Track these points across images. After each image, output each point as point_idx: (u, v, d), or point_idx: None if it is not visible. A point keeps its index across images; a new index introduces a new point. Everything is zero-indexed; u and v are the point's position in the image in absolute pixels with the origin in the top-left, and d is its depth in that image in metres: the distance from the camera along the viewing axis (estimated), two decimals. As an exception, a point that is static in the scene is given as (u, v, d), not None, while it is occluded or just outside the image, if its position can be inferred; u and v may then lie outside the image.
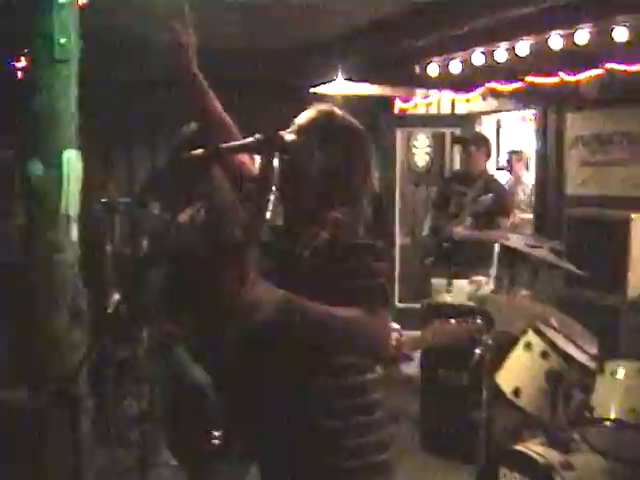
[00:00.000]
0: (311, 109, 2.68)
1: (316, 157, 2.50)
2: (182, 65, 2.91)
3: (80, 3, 4.66)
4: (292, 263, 2.39)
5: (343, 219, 2.45)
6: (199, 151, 2.54)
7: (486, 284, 6.24)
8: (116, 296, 5.20)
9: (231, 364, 2.46)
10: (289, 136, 2.49)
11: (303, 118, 2.65)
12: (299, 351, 2.40)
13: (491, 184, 7.21)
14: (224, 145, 2.69)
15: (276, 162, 2.38)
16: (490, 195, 6.88)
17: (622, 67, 7.34)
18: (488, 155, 7.44)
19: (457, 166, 9.33)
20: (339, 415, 2.44)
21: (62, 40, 4.31)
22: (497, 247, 8.00)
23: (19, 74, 6.96)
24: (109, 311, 4.76)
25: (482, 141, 7.39)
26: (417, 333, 3.22)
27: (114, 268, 5.08)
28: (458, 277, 6.24)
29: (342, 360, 2.48)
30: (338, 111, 2.69)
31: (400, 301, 9.78)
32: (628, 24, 6.07)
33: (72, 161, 4.30)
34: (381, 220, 8.11)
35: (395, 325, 9.34)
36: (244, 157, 2.90)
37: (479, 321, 3.09)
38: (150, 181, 8.23)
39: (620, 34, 6.16)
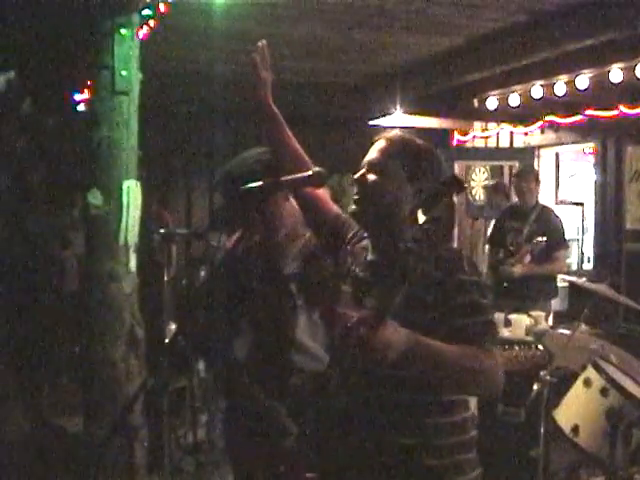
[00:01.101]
0: (381, 139, 2.62)
1: (400, 182, 2.50)
2: (262, 99, 2.93)
3: (141, 36, 4.74)
4: (400, 300, 2.34)
5: (449, 254, 2.40)
6: (259, 183, 2.56)
7: (545, 319, 6.16)
8: (173, 326, 5.23)
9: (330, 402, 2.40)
10: (370, 176, 2.52)
11: (378, 149, 2.60)
12: (415, 389, 2.35)
13: (545, 216, 7.15)
14: (284, 178, 2.71)
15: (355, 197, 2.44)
16: (544, 238, 6.82)
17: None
18: (538, 188, 7.41)
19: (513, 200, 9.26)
20: (446, 453, 2.39)
21: (123, 72, 4.38)
22: (559, 280, 7.93)
23: (81, 106, 7.10)
24: (166, 341, 4.78)
25: (532, 174, 7.34)
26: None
27: (171, 298, 5.11)
28: (518, 311, 6.17)
29: (452, 397, 2.43)
30: (407, 134, 2.63)
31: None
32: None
33: (132, 191, 4.35)
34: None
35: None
36: (322, 195, 2.91)
37: (541, 348, 3.05)
38: (217, 213, 8.31)
39: (682, 67, 6.11)
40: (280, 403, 3.16)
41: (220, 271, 3.30)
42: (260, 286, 3.24)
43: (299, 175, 2.79)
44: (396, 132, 2.65)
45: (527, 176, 7.24)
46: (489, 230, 8.33)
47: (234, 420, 3.39)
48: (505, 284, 6.97)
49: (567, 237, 7.40)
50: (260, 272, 3.25)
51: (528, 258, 6.93)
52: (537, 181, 7.34)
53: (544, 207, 7.41)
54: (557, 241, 6.89)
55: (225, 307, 3.27)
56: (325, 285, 3.23)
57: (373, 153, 2.60)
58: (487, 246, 7.80)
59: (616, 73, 6.62)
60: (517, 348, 3.00)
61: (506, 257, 7.12)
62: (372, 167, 2.56)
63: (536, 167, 9.77)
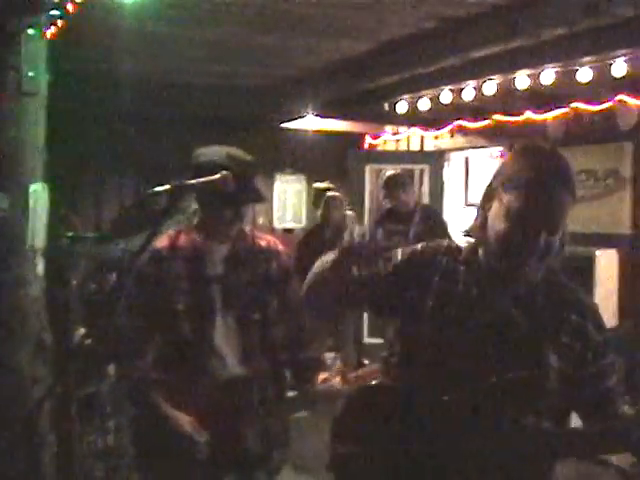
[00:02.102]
0: (517, 150, 2.38)
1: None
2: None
3: (49, 36, 4.66)
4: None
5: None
6: (166, 186, 2.55)
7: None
8: (81, 331, 5.16)
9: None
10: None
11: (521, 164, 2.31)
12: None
13: (429, 215, 7.30)
14: (190, 181, 2.71)
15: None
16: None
17: (587, 106, 7.48)
18: (414, 188, 7.55)
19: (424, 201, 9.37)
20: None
21: (30, 73, 4.30)
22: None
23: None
24: (73, 346, 4.71)
25: (404, 179, 7.49)
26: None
27: (79, 302, 5.04)
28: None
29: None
30: (545, 145, 2.35)
31: (369, 336, 9.81)
32: (591, 65, 6.17)
33: (38, 195, 4.28)
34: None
35: (365, 361, 9.37)
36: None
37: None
38: (120, 216, 8.23)
39: (584, 75, 6.26)
40: (191, 410, 3.13)
41: (133, 274, 3.26)
42: (181, 287, 3.22)
43: (206, 179, 2.80)
44: (534, 142, 2.40)
45: (396, 185, 7.36)
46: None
47: (142, 429, 3.35)
48: None
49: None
50: (182, 273, 3.23)
51: None
52: (409, 186, 7.47)
53: (425, 207, 7.53)
54: (446, 237, 7.04)
55: (139, 310, 3.24)
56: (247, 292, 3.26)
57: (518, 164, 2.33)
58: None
59: (522, 79, 6.77)
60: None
61: None
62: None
63: (446, 170, 9.95)
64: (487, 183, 2.38)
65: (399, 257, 2.52)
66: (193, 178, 2.86)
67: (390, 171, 8.08)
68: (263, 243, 3.41)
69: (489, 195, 2.33)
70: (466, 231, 2.44)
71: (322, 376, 3.34)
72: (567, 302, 2.30)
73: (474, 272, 2.34)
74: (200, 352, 3.20)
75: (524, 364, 2.20)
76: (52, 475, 4.35)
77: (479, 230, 2.34)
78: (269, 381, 3.35)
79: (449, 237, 7.11)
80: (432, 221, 7.22)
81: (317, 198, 9.20)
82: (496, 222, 2.24)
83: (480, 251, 2.36)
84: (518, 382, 2.18)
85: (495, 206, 2.27)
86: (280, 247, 3.46)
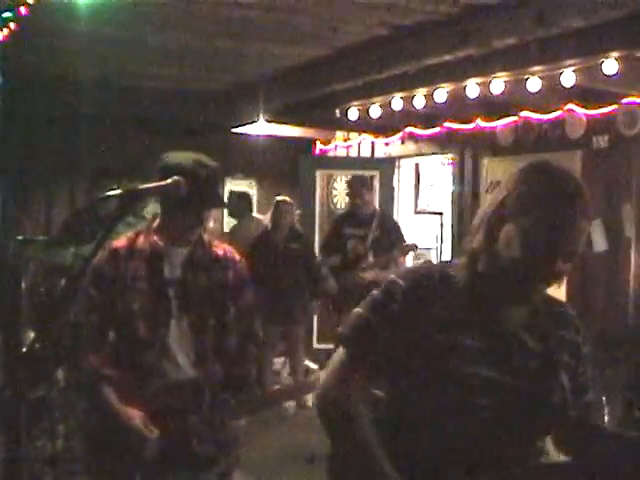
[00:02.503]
0: (530, 170, 2.23)
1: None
2: None
3: (1, 38, 4.64)
4: None
5: None
6: (118, 191, 2.56)
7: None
8: (31, 334, 5.13)
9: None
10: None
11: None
12: None
13: (386, 222, 7.36)
14: (143, 186, 2.73)
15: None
16: (406, 244, 7.02)
17: (536, 115, 7.59)
18: (373, 194, 7.63)
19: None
20: None
21: (-19, 76, 4.28)
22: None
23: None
24: (23, 349, 4.68)
25: (366, 182, 7.54)
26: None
27: (29, 306, 5.01)
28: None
29: None
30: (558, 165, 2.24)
31: (318, 342, 9.83)
32: (540, 75, 6.26)
33: (-12, 197, 4.26)
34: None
35: (312, 365, 9.41)
36: None
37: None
38: (70, 220, 8.17)
39: (533, 84, 6.35)
40: (142, 409, 3.15)
41: (94, 273, 3.27)
42: (138, 288, 3.23)
43: (158, 184, 2.83)
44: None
45: (362, 184, 7.42)
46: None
47: (92, 425, 3.35)
48: (349, 291, 7.12)
49: (421, 246, 7.64)
50: (140, 274, 3.24)
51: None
52: (372, 188, 7.54)
53: (383, 212, 7.59)
54: (408, 249, 7.10)
55: (94, 307, 3.24)
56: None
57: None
58: (320, 252, 7.91)
59: (472, 88, 6.84)
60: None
61: (345, 264, 7.27)
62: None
63: (396, 177, 10.02)
64: (492, 205, 2.25)
65: (398, 295, 2.26)
66: (159, 182, 2.89)
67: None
68: (220, 252, 3.42)
69: (499, 218, 2.19)
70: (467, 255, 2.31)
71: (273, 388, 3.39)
72: (560, 319, 2.30)
73: (476, 300, 2.22)
74: (153, 353, 3.21)
75: (544, 388, 2.18)
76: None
77: (481, 254, 2.23)
78: (220, 386, 3.34)
79: (404, 245, 7.18)
80: (389, 227, 7.29)
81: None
82: (509, 248, 2.14)
83: (479, 277, 2.24)
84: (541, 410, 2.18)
85: (508, 230, 2.15)
86: (237, 256, 3.47)
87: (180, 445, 3.19)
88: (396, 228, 7.35)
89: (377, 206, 8.45)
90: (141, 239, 3.30)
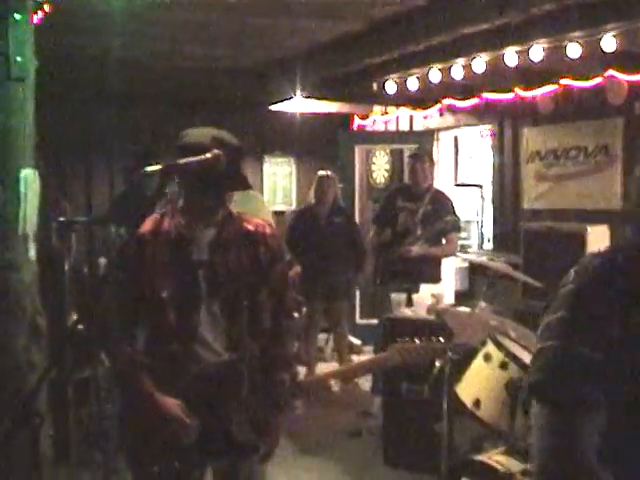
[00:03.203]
0: None
1: None
2: None
3: (35, 21, 4.65)
4: None
5: None
6: (158, 166, 2.55)
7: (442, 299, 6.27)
8: (75, 316, 5.17)
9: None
10: None
11: None
12: None
13: (439, 199, 7.29)
14: (182, 161, 2.71)
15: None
16: (450, 217, 6.95)
17: (576, 83, 7.48)
18: (433, 170, 7.55)
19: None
20: None
21: (18, 58, 4.28)
22: (455, 261, 8.09)
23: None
24: (67, 330, 4.72)
25: (426, 156, 7.45)
26: (375, 356, 3.21)
27: (72, 287, 5.04)
28: (412, 292, 6.28)
29: None
30: None
31: (361, 317, 9.83)
32: (581, 41, 6.16)
33: (29, 180, 4.27)
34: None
35: (356, 341, 9.41)
36: None
37: (441, 339, 3.06)
38: (115, 201, 8.24)
39: (573, 50, 6.25)
40: (178, 396, 3.11)
41: (122, 258, 3.24)
42: (165, 273, 3.19)
43: (197, 158, 2.80)
44: None
45: (421, 158, 7.35)
46: None
47: (130, 415, 3.32)
48: (396, 265, 7.08)
49: (462, 219, 7.57)
50: (167, 258, 3.20)
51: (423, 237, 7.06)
52: (431, 163, 7.46)
53: (438, 190, 7.55)
54: (451, 224, 7.02)
55: (127, 295, 3.21)
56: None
57: None
58: (373, 226, 7.86)
59: (511, 56, 6.76)
60: (417, 342, 3.02)
61: (395, 237, 7.23)
62: None
63: (435, 150, 9.94)
64: None
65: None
66: (176, 156, 2.84)
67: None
68: (251, 227, 3.32)
69: None
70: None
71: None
72: None
73: None
74: (185, 339, 3.15)
75: None
76: (50, 459, 4.36)
77: None
78: (259, 367, 3.25)
79: (455, 223, 7.12)
80: (441, 203, 7.21)
81: None
82: None
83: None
84: None
85: None
86: (268, 230, 3.36)
87: (219, 432, 3.14)
88: (447, 203, 7.28)
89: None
90: (166, 221, 3.24)
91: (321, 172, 8.16)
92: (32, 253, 4.33)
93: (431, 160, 7.49)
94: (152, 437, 3.11)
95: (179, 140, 3.15)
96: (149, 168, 2.53)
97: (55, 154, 8.21)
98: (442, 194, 7.50)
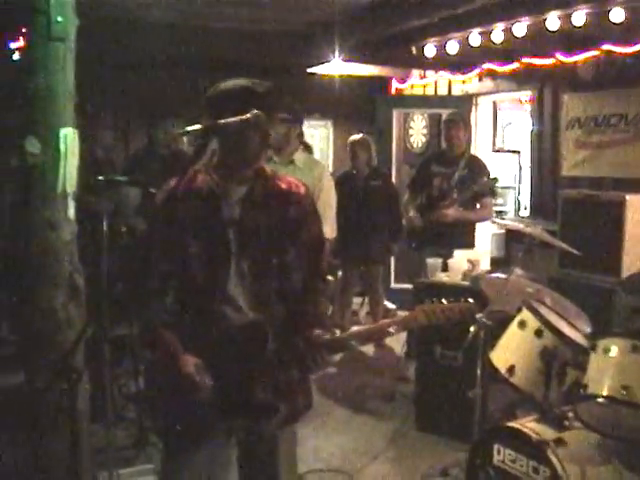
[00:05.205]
0: None
1: None
2: None
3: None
4: None
5: None
6: (197, 126, 2.55)
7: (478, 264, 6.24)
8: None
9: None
10: None
11: None
12: None
13: (474, 163, 7.25)
14: (222, 120, 2.72)
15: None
16: (485, 179, 6.92)
17: (618, 49, 7.37)
18: (469, 136, 7.51)
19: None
20: None
21: (59, 18, 4.29)
22: (491, 227, 8.05)
23: (16, 54, 6.95)
24: (105, 289, 4.77)
25: (462, 121, 7.39)
26: (405, 314, 3.17)
27: (110, 246, 5.07)
28: (446, 257, 6.27)
29: None
30: None
31: (396, 281, 9.84)
32: (625, 5, 6.07)
33: (69, 139, 4.29)
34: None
35: (390, 305, 9.41)
36: None
37: (471, 300, 3.03)
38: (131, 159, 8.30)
39: (617, 15, 6.17)
40: (201, 355, 3.10)
41: (155, 214, 3.24)
42: (195, 229, 3.18)
43: (237, 118, 2.79)
44: None
45: (457, 123, 7.30)
46: None
47: (154, 373, 3.32)
48: (431, 229, 7.07)
49: (499, 185, 7.53)
50: (198, 214, 3.19)
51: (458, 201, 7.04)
52: (467, 128, 7.42)
53: (473, 155, 7.50)
54: (487, 186, 6.98)
55: (157, 251, 3.20)
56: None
57: None
58: (407, 190, 7.83)
59: (553, 20, 6.67)
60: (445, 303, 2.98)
61: (430, 202, 7.21)
62: None
63: (473, 115, 9.87)
64: None
65: None
66: (207, 111, 2.83)
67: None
68: (284, 185, 3.28)
69: None
70: None
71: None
72: None
73: None
74: (213, 297, 3.14)
75: None
76: (87, 415, 4.43)
77: None
78: (286, 328, 3.22)
79: (489, 188, 7.08)
80: (476, 167, 7.18)
81: None
82: None
83: None
84: None
85: None
86: (302, 189, 3.31)
87: (240, 392, 3.12)
88: (483, 168, 7.23)
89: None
90: (199, 178, 3.21)
91: (353, 136, 8.14)
92: (71, 212, 4.36)
93: (466, 125, 7.44)
94: (173, 393, 3.12)
95: (209, 91, 3.14)
96: (189, 127, 2.54)
97: (94, 114, 8.23)
98: (477, 159, 7.46)
